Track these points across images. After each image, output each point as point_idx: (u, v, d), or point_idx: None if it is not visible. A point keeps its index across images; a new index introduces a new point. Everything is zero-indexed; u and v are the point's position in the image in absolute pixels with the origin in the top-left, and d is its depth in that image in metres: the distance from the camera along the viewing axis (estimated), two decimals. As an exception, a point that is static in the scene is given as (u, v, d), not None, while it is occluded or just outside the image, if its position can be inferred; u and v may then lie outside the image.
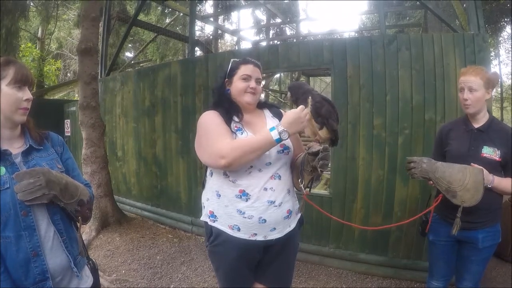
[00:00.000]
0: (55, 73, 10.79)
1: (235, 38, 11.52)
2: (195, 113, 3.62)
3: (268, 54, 3.28)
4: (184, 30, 9.73)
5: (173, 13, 9.12)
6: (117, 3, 6.86)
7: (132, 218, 4.26)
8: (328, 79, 10.21)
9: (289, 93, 1.39)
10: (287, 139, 1.19)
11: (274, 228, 1.30)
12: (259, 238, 1.29)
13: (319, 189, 4.17)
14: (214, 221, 1.33)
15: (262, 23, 10.38)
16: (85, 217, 1.09)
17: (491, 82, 1.57)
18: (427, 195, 2.26)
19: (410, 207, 2.64)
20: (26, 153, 1.03)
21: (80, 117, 3.80)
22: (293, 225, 1.39)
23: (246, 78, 1.36)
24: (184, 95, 3.78)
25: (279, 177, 1.31)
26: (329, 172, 3.23)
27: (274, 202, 1.28)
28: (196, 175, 3.71)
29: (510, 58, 12.56)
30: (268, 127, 1.24)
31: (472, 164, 1.52)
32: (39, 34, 10.09)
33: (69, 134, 6.31)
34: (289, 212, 1.34)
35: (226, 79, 1.41)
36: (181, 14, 8.63)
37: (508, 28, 9.72)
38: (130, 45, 12.53)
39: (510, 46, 11.72)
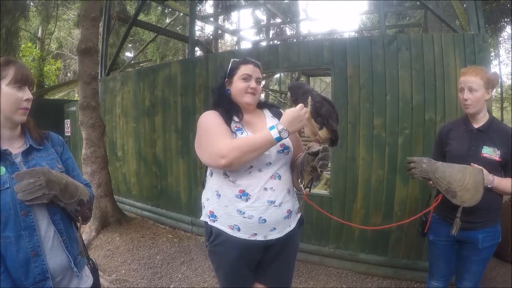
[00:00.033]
0: (55, 73, 10.79)
1: (235, 38, 11.52)
2: (195, 113, 3.62)
3: (268, 54, 3.28)
4: (184, 30, 9.73)
5: (173, 13, 9.12)
6: (117, 3, 6.86)
7: (132, 218, 4.26)
8: (328, 79, 10.21)
9: (289, 93, 1.39)
10: (286, 137, 1.19)
11: (274, 228, 1.30)
12: (259, 238, 1.29)
13: (319, 189, 4.17)
14: (214, 221, 1.33)
15: (262, 23, 10.38)
16: (85, 217, 1.10)
17: (491, 82, 1.57)
18: (427, 195, 2.26)
19: (410, 207, 2.64)
20: (26, 153, 1.03)
21: (80, 117, 3.80)
22: (293, 225, 1.39)
23: (247, 78, 1.36)
24: (184, 95, 3.78)
25: (279, 177, 1.31)
26: (329, 172, 3.23)
27: (274, 202, 1.28)
28: (196, 175, 3.71)
29: (510, 58, 12.56)
30: (267, 126, 1.24)
31: (472, 164, 1.52)
32: (39, 34, 10.09)
33: (69, 134, 6.31)
34: (289, 212, 1.34)
35: (226, 79, 1.41)
36: (181, 14, 8.63)
37: (508, 28, 9.73)
38: (130, 45, 12.53)
39: (510, 46, 11.73)
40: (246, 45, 12.21)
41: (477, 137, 1.59)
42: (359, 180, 2.80)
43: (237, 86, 1.37)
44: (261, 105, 1.49)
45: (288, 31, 10.57)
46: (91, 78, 3.76)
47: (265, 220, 1.27)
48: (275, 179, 1.30)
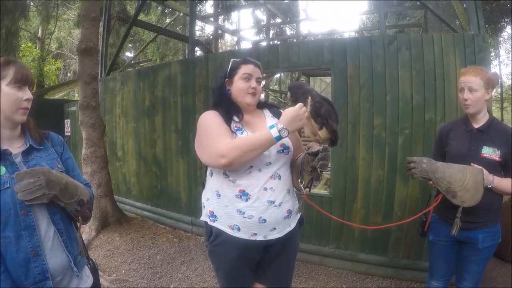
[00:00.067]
0: (55, 73, 10.79)
1: (235, 38, 11.52)
2: (195, 113, 3.62)
3: (268, 54, 3.28)
4: (184, 30, 9.74)
5: (173, 13, 9.12)
6: (117, 3, 6.87)
7: (132, 218, 4.26)
8: (328, 79, 10.21)
9: (289, 93, 1.39)
10: (286, 136, 1.19)
11: (274, 228, 1.30)
12: (259, 238, 1.29)
13: (319, 189, 4.17)
14: (214, 221, 1.33)
15: (262, 23, 10.38)
16: (85, 217, 1.10)
17: (491, 82, 1.57)
18: (427, 195, 2.26)
19: (410, 207, 2.64)
20: (26, 153, 1.03)
21: (80, 117, 3.80)
22: (293, 225, 1.39)
23: (247, 78, 1.36)
24: (184, 95, 3.78)
25: (279, 177, 1.31)
26: (329, 172, 3.23)
27: (274, 202, 1.28)
28: (196, 175, 3.71)
29: (510, 59, 12.56)
30: (267, 126, 1.24)
31: (472, 164, 1.52)
32: (39, 34, 10.09)
33: (69, 134, 6.31)
34: (289, 212, 1.34)
35: (227, 79, 1.41)
36: (181, 14, 8.63)
37: (508, 29, 9.73)
38: (130, 45, 12.53)
39: (510, 47, 11.73)
40: (246, 45, 12.23)
41: (477, 137, 1.59)
42: (359, 180, 2.80)
43: (238, 86, 1.37)
44: (261, 105, 1.49)
45: (288, 31, 10.57)
46: (91, 78, 3.76)
47: (265, 220, 1.27)
48: (275, 179, 1.30)
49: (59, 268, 1.01)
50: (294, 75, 9.51)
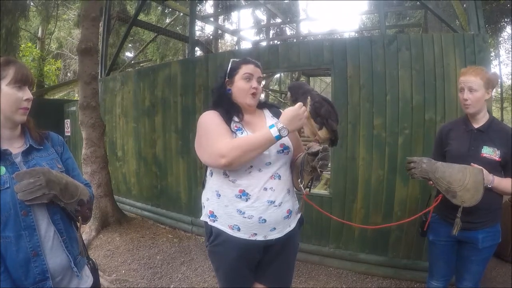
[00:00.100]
0: (55, 73, 10.79)
1: (235, 38, 11.52)
2: (195, 113, 3.62)
3: (268, 54, 3.28)
4: (184, 30, 9.74)
5: (173, 13, 9.12)
6: (117, 3, 6.87)
7: (132, 218, 4.26)
8: (328, 79, 10.21)
9: (289, 93, 1.39)
10: (286, 136, 1.19)
11: (274, 228, 1.30)
12: (259, 238, 1.29)
13: (319, 189, 4.18)
14: (214, 221, 1.33)
15: (262, 23, 10.38)
16: (85, 217, 1.10)
17: (491, 82, 1.57)
18: (427, 195, 2.26)
19: (410, 207, 2.64)
20: (26, 153, 1.03)
21: (80, 117, 3.80)
22: (293, 225, 1.39)
23: (248, 77, 1.36)
24: (184, 95, 3.78)
25: (279, 177, 1.31)
26: (329, 172, 3.23)
27: (274, 202, 1.28)
28: (196, 175, 3.71)
29: (510, 59, 12.56)
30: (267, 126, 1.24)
31: (472, 164, 1.52)
32: (39, 34, 10.09)
33: (69, 134, 6.31)
34: (289, 212, 1.34)
35: (227, 79, 1.40)
36: (181, 14, 8.63)
37: (508, 29, 9.73)
38: (130, 45, 12.53)
39: (510, 47, 11.73)
40: (246, 45, 12.23)
41: (477, 137, 1.59)
42: (359, 180, 2.80)
43: (239, 86, 1.36)
44: (261, 105, 1.49)
45: (288, 31, 10.57)
46: (91, 78, 3.76)
47: (265, 220, 1.27)
48: (275, 179, 1.30)
49: (59, 268, 1.01)
50: (294, 75, 9.51)
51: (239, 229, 1.27)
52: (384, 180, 2.72)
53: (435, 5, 4.13)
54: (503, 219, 1.81)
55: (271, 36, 10.07)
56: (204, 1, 9.32)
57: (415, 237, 2.60)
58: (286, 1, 9.34)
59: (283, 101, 9.56)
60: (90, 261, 1.20)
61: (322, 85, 12.49)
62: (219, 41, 11.27)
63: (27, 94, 1.02)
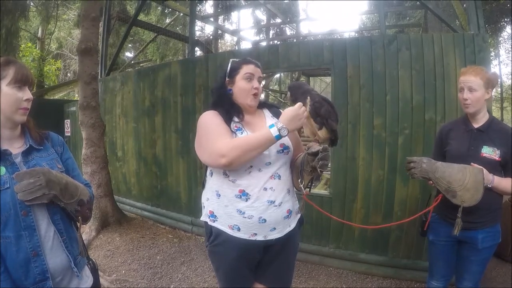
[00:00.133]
0: (55, 73, 10.79)
1: (235, 38, 11.52)
2: (195, 113, 3.62)
3: (268, 54, 3.28)
4: (184, 30, 9.74)
5: (173, 13, 9.12)
6: (117, 3, 6.87)
7: (132, 218, 4.26)
8: (328, 79, 10.21)
9: (288, 93, 1.39)
10: (286, 135, 1.19)
11: (274, 228, 1.30)
12: (259, 238, 1.29)
13: (319, 189, 4.17)
14: (214, 221, 1.33)
15: (262, 23, 10.38)
16: (85, 217, 1.10)
17: (490, 82, 1.57)
18: (427, 195, 2.26)
19: (410, 207, 2.64)
20: (26, 153, 1.03)
21: (80, 117, 3.80)
22: (293, 225, 1.39)
23: (249, 77, 1.36)
24: (184, 95, 3.78)
25: (279, 177, 1.31)
26: (329, 172, 3.23)
27: (274, 202, 1.28)
28: (196, 175, 3.71)
29: (510, 58, 12.57)
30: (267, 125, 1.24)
31: (472, 164, 1.52)
32: (39, 34, 10.09)
33: (69, 134, 6.31)
34: (289, 212, 1.34)
35: (228, 79, 1.40)
36: (181, 14, 8.63)
37: (508, 28, 9.73)
38: (130, 45, 12.53)
39: (510, 46, 11.73)
40: (246, 45, 12.23)
41: (477, 137, 1.59)
42: (359, 180, 2.80)
43: (241, 86, 1.36)
44: (261, 105, 1.48)
45: (288, 31, 10.57)
46: (91, 78, 3.76)
47: (265, 220, 1.27)
48: (275, 179, 1.30)
49: (59, 268, 1.01)
50: (294, 75, 9.52)
51: (239, 229, 1.27)
52: (384, 180, 2.72)
53: (435, 5, 4.13)
54: (503, 219, 1.81)
55: (271, 36, 10.07)
56: (204, 1, 9.32)
57: (415, 237, 2.60)
58: (286, 1, 9.34)
59: (283, 101, 9.56)
60: (90, 261, 1.20)
61: (322, 85, 12.49)
62: (219, 41, 11.27)
63: (27, 94, 1.02)
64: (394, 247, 2.73)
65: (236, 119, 1.33)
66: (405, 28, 8.19)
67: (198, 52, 7.60)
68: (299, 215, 1.44)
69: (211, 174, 1.37)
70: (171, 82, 3.92)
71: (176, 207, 3.99)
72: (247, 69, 1.36)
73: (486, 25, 6.97)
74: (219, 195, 1.31)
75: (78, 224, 1.09)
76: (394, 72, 2.67)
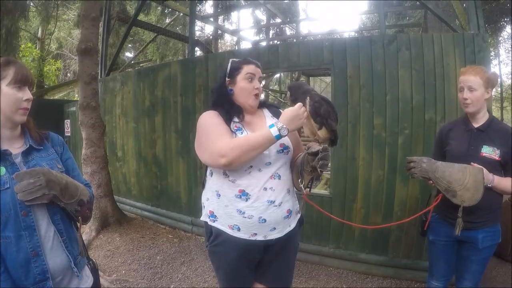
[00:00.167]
0: (55, 73, 10.79)
1: (235, 38, 11.53)
2: (195, 113, 3.62)
3: (268, 54, 3.28)
4: (184, 30, 9.74)
5: (173, 13, 9.12)
6: (117, 3, 6.87)
7: (132, 218, 4.26)
8: (328, 79, 10.21)
9: (288, 93, 1.39)
10: (286, 135, 1.19)
11: (274, 228, 1.30)
12: (259, 238, 1.29)
13: (319, 189, 4.18)
14: (214, 221, 1.33)
15: (262, 23, 10.38)
16: (85, 217, 1.10)
17: (490, 81, 1.57)
18: (427, 195, 2.25)
19: (410, 207, 2.64)
20: (26, 153, 1.03)
21: (80, 117, 3.80)
22: (293, 225, 1.39)
23: (251, 77, 1.36)
24: (184, 95, 3.78)
25: (279, 177, 1.31)
26: (329, 172, 3.23)
27: (274, 201, 1.28)
28: (196, 175, 3.71)
29: (510, 58, 12.57)
30: (267, 125, 1.24)
31: (472, 163, 1.52)
32: (39, 34, 10.09)
33: (69, 134, 6.31)
34: (289, 212, 1.34)
35: (228, 79, 1.39)
36: (181, 14, 8.63)
37: (508, 28, 9.73)
38: (130, 45, 12.53)
39: (510, 46, 11.72)
40: (246, 45, 12.23)
41: (477, 137, 1.59)
42: (359, 180, 2.80)
43: (242, 87, 1.36)
44: (260, 105, 1.48)
45: (288, 31, 10.58)
46: (91, 78, 3.76)
47: (265, 220, 1.27)
48: (275, 179, 1.30)
49: (59, 268, 1.01)
50: (294, 75, 9.52)
51: (239, 229, 1.27)
52: (384, 180, 2.72)
53: (435, 5, 4.13)
54: (503, 219, 1.81)
55: (271, 36, 10.07)
56: (204, 1, 9.33)
57: (415, 237, 2.60)
58: (286, 1, 9.34)
59: (283, 101, 9.56)
60: (90, 261, 1.20)
61: (322, 85, 12.49)
62: (219, 41, 11.28)
63: (27, 94, 1.02)
64: (394, 247, 2.73)
65: (236, 119, 1.33)
66: (405, 28, 8.19)
67: (198, 52, 7.60)
68: (299, 215, 1.44)
69: (211, 174, 1.37)
70: (171, 82, 3.92)
71: (176, 207, 3.99)
72: (248, 69, 1.36)
73: (486, 25, 6.97)
74: (219, 195, 1.31)
75: (78, 224, 1.09)
76: (394, 72, 2.67)
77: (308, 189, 1.34)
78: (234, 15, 10.81)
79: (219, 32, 10.12)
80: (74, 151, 5.34)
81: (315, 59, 3.01)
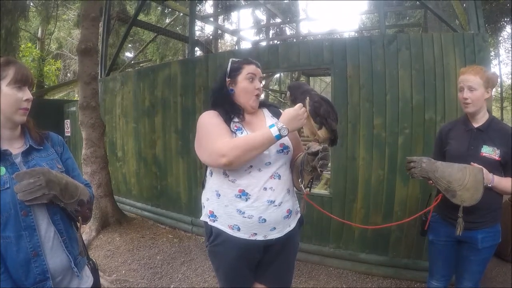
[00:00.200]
0: (55, 73, 10.80)
1: (235, 38, 11.53)
2: (195, 113, 3.62)
3: (268, 54, 3.28)
4: (184, 30, 9.74)
5: (173, 13, 9.12)
6: (117, 3, 6.87)
7: (132, 218, 4.26)
8: (328, 79, 10.21)
9: (288, 93, 1.39)
10: (286, 135, 1.19)
11: (274, 228, 1.30)
12: (259, 237, 1.29)
13: (319, 189, 4.18)
14: (214, 221, 1.33)
15: (262, 23, 10.38)
16: (85, 217, 1.10)
17: (490, 81, 1.57)
18: (427, 195, 2.25)
19: (410, 207, 2.64)
20: (26, 153, 1.03)
21: (80, 117, 3.80)
22: (293, 224, 1.39)
23: (252, 77, 1.36)
24: (184, 95, 3.78)
25: (279, 177, 1.31)
26: (329, 172, 3.23)
27: (274, 201, 1.28)
28: (196, 175, 3.71)
29: (510, 58, 12.58)
30: (267, 125, 1.24)
31: (471, 163, 1.52)
32: (39, 34, 10.10)
33: (69, 134, 6.31)
34: (289, 212, 1.34)
35: (229, 79, 1.39)
36: (181, 14, 8.63)
37: (508, 28, 9.74)
38: (130, 45, 12.54)
39: (510, 46, 11.73)
40: (246, 45, 12.23)
41: (477, 137, 1.59)
42: (359, 180, 2.80)
43: (243, 87, 1.36)
44: (260, 105, 1.48)
45: (288, 31, 10.57)
46: (91, 78, 3.76)
47: (265, 220, 1.27)
48: (274, 178, 1.30)
49: (59, 268, 1.01)
50: (294, 75, 9.52)
51: (239, 229, 1.27)
52: (384, 180, 2.72)
53: (435, 5, 4.13)
54: (503, 219, 1.80)
55: (271, 36, 10.07)
56: (204, 1, 9.33)
57: (415, 236, 2.60)
58: (286, 1, 9.34)
59: (283, 101, 9.56)
60: (90, 261, 1.20)
61: (322, 85, 12.49)
62: (219, 41, 11.27)
63: (27, 94, 1.02)
64: (394, 247, 2.73)
65: (236, 119, 1.33)
66: (405, 27, 8.20)
67: (198, 52, 7.60)
68: (299, 215, 1.44)
69: (211, 174, 1.37)
70: (171, 82, 3.92)
71: (176, 207, 3.99)
72: (249, 69, 1.36)
73: (486, 25, 6.98)
74: (219, 195, 1.31)
75: (78, 224, 1.09)
76: (394, 72, 2.67)
77: (308, 189, 1.33)
78: (234, 15, 10.83)
79: (219, 32, 10.12)
80: (74, 151, 5.34)
81: (315, 59, 3.01)
